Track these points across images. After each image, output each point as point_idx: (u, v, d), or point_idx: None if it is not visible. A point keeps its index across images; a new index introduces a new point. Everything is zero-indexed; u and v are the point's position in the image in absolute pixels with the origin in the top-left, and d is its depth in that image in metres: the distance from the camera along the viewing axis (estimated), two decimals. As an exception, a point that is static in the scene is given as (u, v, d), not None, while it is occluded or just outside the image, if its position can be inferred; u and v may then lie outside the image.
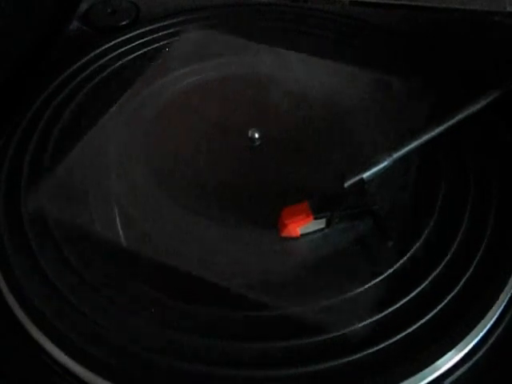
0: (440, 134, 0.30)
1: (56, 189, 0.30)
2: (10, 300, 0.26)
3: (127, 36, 0.40)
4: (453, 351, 0.23)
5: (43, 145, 0.33)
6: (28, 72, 0.39)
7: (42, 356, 0.24)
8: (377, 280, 0.26)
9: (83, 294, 0.26)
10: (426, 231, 0.27)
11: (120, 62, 0.39)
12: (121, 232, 0.28)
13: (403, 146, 0.29)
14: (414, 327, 0.24)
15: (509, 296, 0.25)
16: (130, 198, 0.30)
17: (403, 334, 0.24)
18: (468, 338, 0.24)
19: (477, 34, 0.39)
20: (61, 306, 0.25)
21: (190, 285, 0.26)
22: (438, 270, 0.26)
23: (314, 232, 0.28)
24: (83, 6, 0.44)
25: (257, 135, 0.32)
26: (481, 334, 0.24)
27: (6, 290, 0.26)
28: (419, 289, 0.25)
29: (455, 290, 0.25)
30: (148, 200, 0.30)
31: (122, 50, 0.39)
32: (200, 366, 0.23)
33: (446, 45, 0.38)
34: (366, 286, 0.25)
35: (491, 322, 0.25)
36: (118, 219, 0.29)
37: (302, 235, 0.27)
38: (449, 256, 0.27)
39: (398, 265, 0.26)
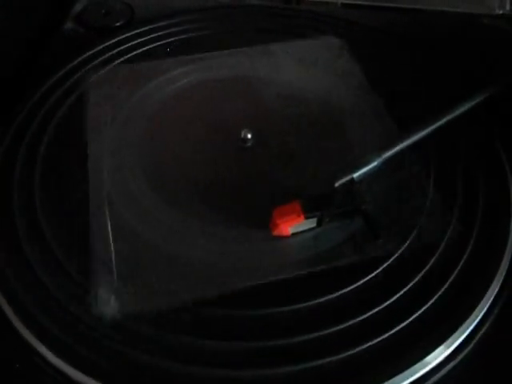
0: (429, 134, 0.30)
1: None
2: (2, 302, 0.26)
3: (121, 37, 0.40)
4: (441, 347, 0.24)
5: (36, 146, 0.33)
6: (22, 73, 0.39)
7: (33, 357, 0.24)
8: (366, 278, 0.26)
9: (74, 294, 0.26)
10: (415, 230, 0.28)
11: (114, 63, 0.39)
12: (111, 231, 0.28)
13: (393, 146, 0.29)
14: (404, 324, 0.24)
15: (495, 293, 0.26)
16: (121, 198, 0.30)
17: (393, 330, 0.24)
18: (456, 334, 0.24)
19: (467, 35, 0.39)
20: (51, 307, 0.25)
21: (181, 283, 0.26)
22: (426, 269, 0.26)
23: (305, 231, 0.28)
24: (77, 7, 0.44)
25: (249, 136, 0.32)
26: (468, 330, 0.25)
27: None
28: (408, 287, 0.26)
29: (443, 288, 0.26)
30: (139, 199, 0.30)
31: (117, 50, 0.40)
32: (195, 368, 0.23)
33: (436, 47, 0.38)
34: (356, 285, 0.26)
35: (478, 319, 0.25)
36: (108, 217, 0.29)
37: (292, 234, 0.28)
38: (437, 254, 0.27)
39: (387, 263, 0.27)
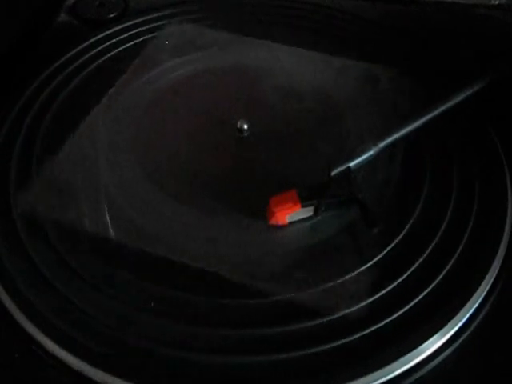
0: (425, 124, 0.30)
1: (45, 187, 0.30)
2: (0, 292, 0.26)
3: (115, 29, 0.40)
4: (437, 335, 0.24)
5: (31, 140, 0.33)
6: (15, 65, 0.39)
7: (32, 347, 0.24)
8: (363, 268, 0.26)
9: (72, 283, 0.26)
10: (412, 219, 0.28)
11: (108, 55, 0.39)
12: (110, 223, 0.28)
13: (389, 135, 0.29)
14: (399, 313, 0.25)
15: (491, 282, 0.26)
16: (119, 189, 0.30)
17: (388, 319, 0.24)
18: (451, 322, 0.24)
19: (462, 26, 0.39)
20: (50, 296, 0.25)
21: (179, 274, 0.26)
22: (422, 258, 0.26)
23: (302, 220, 0.28)
24: (71, -1, 0.44)
25: (245, 126, 0.32)
26: (464, 319, 0.25)
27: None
28: (405, 276, 0.26)
29: (439, 277, 0.26)
30: (137, 191, 0.30)
31: (110, 42, 0.39)
32: (196, 355, 0.23)
33: (431, 37, 0.38)
34: (352, 274, 0.26)
35: (474, 308, 0.25)
36: (106, 209, 0.29)
37: (289, 223, 0.28)
38: (434, 243, 0.27)
39: (383, 253, 0.27)
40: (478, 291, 0.25)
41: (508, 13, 0.38)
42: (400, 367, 0.23)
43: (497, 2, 0.38)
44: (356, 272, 0.26)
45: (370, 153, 0.28)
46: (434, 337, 0.24)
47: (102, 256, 0.27)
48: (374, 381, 0.23)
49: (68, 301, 0.25)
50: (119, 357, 0.23)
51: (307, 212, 0.28)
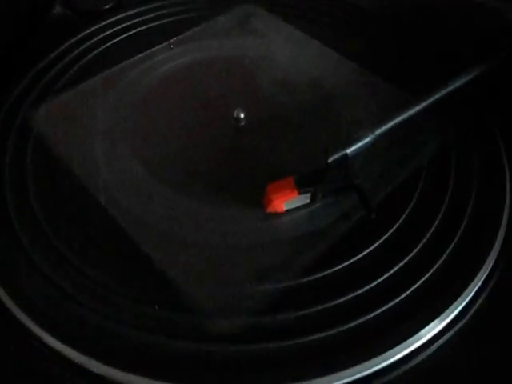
0: (422, 111, 0.30)
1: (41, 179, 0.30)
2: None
3: (110, 20, 0.40)
4: (435, 321, 0.24)
5: (26, 133, 0.32)
6: (11, 57, 0.38)
7: (29, 339, 0.24)
8: (362, 254, 0.26)
9: (69, 275, 0.26)
10: (410, 206, 0.28)
11: (103, 47, 0.39)
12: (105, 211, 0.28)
13: (386, 122, 0.29)
14: (398, 299, 0.25)
15: (489, 269, 0.26)
16: (115, 179, 0.30)
17: (387, 305, 0.24)
18: (450, 308, 0.24)
19: (460, 16, 0.39)
20: (47, 289, 0.25)
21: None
22: (420, 244, 0.26)
23: (299, 208, 0.28)
24: (66, -9, 0.44)
25: (242, 115, 0.32)
26: (462, 305, 0.25)
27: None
28: (403, 262, 0.26)
29: (438, 264, 0.26)
30: (133, 180, 0.30)
31: (106, 34, 0.40)
32: (191, 344, 0.23)
33: (429, 27, 0.38)
34: (349, 262, 0.26)
35: (472, 293, 0.25)
36: (103, 199, 0.29)
37: (287, 211, 0.28)
38: (432, 229, 0.27)
39: (381, 239, 0.27)
40: (477, 278, 0.25)
41: (502, 1, 0.38)
42: (398, 353, 0.23)
43: (492, -10, 0.38)
44: (352, 260, 0.26)
45: (367, 139, 0.28)
46: (433, 323, 0.24)
47: (101, 252, 0.27)
48: (373, 366, 0.23)
49: (64, 293, 0.25)
50: (120, 350, 0.23)
51: (304, 199, 0.28)
